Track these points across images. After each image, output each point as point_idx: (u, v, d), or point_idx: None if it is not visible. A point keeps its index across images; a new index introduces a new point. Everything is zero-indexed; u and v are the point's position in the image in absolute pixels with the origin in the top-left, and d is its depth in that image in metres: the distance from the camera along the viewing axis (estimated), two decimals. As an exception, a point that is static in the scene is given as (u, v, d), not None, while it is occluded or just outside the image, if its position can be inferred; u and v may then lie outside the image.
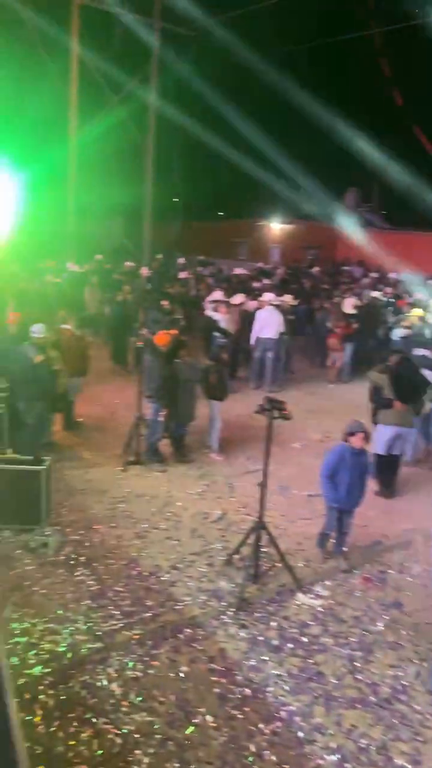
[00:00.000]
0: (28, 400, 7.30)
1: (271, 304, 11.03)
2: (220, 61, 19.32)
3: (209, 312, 10.79)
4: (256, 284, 15.55)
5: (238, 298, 11.65)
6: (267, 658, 4.47)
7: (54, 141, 18.55)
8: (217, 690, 4.13)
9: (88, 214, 20.96)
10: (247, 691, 4.15)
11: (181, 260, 19.78)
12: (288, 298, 12.08)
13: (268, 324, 10.96)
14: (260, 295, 12.02)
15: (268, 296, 11.44)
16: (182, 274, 16.56)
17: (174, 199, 29.36)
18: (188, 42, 21.51)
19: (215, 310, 10.57)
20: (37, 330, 7.47)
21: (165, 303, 10.71)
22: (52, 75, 18.50)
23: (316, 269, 20.08)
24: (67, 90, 19.25)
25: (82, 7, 19.17)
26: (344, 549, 5.88)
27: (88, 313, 13.01)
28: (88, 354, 8.79)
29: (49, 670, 4.19)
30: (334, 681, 4.31)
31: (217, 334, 10.08)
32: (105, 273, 15.46)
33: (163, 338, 7.60)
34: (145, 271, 15.68)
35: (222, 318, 10.45)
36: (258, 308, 11.30)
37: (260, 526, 5.26)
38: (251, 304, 11.76)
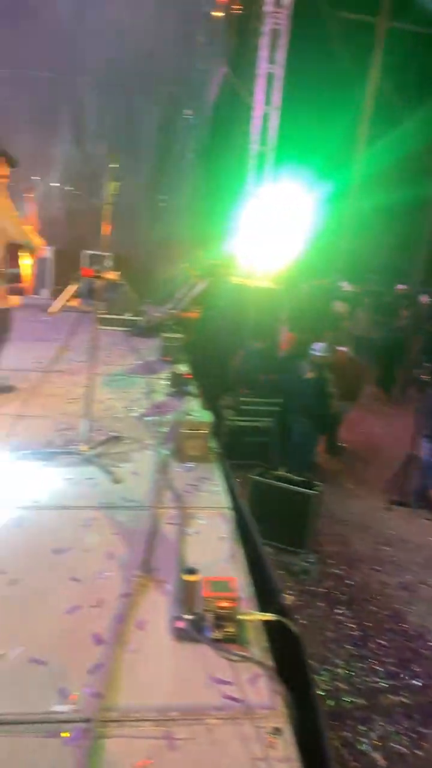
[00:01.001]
0: (294, 414, 7.33)
1: None
2: None
3: None
4: None
5: None
6: None
7: (342, 159, 18.72)
8: None
9: (361, 231, 20.71)
10: None
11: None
12: None
13: None
14: None
15: None
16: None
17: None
18: None
19: None
20: (319, 348, 7.44)
21: None
22: (351, 93, 18.70)
23: None
24: (362, 108, 19.34)
25: (388, 30, 19.06)
26: None
27: (356, 335, 12.75)
28: (363, 379, 8.51)
29: (310, 712, 3.99)
30: None
31: None
32: (377, 295, 15.02)
33: (451, 375, 6.95)
34: (425, 298, 14.78)
35: None
36: None
37: None
38: None
